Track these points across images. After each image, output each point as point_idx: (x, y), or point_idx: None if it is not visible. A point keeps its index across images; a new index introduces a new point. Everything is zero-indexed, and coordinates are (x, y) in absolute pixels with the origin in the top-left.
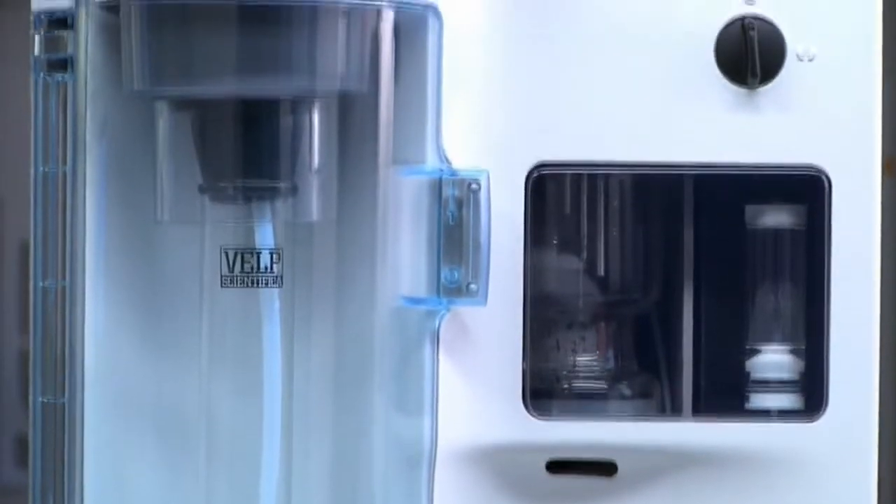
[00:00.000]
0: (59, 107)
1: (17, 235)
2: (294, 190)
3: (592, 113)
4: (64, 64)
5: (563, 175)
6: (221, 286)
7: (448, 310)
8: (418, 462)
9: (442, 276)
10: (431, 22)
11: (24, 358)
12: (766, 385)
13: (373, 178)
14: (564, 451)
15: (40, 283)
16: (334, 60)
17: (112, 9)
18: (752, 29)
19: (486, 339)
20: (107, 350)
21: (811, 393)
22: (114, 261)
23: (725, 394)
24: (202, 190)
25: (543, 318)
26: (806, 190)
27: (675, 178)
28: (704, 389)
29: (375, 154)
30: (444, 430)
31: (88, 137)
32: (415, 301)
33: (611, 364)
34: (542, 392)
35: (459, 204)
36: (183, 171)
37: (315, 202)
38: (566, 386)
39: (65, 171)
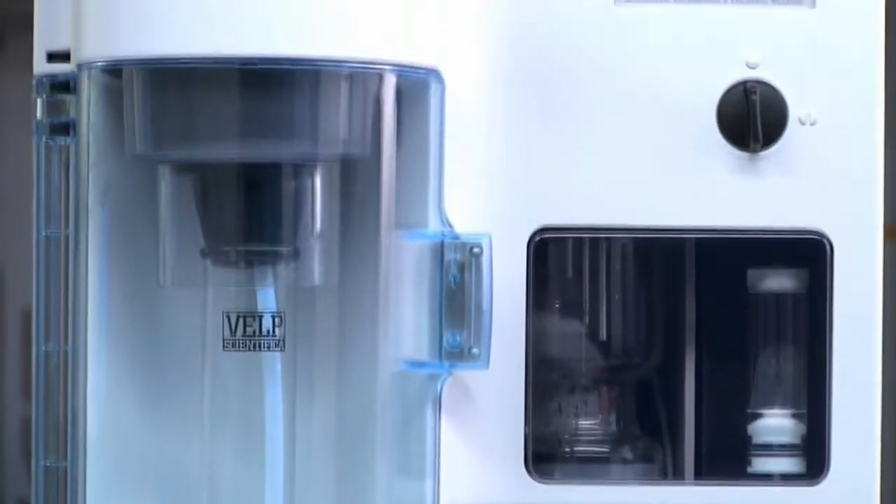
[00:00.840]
0: (61, 170)
1: (19, 303)
2: (296, 254)
3: (594, 177)
4: (66, 128)
5: (565, 239)
6: (223, 349)
7: (450, 373)
8: None
9: (444, 339)
10: (434, 86)
11: (26, 424)
12: (769, 449)
13: (375, 241)
14: None
15: (42, 347)
16: (336, 125)
17: (114, 73)
18: (755, 93)
19: (487, 403)
20: (109, 413)
21: (813, 457)
22: (116, 324)
23: (727, 458)
24: (204, 254)
25: (545, 381)
26: (808, 254)
27: (677, 242)
28: (706, 453)
29: (377, 218)
30: (446, 493)
31: (91, 201)
32: (417, 365)
33: (613, 428)
34: (544, 456)
35: (461, 268)
36: (185, 235)
37: (317, 266)
38: (568, 450)
39: (67, 234)
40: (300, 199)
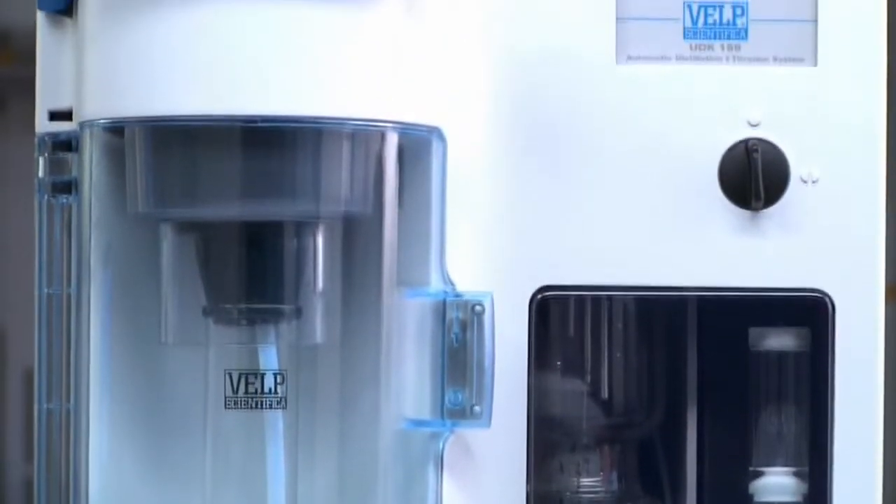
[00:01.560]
0: (63, 229)
1: (20, 364)
2: (298, 312)
3: (596, 236)
4: (68, 186)
5: (567, 298)
6: (225, 408)
7: (452, 432)
8: None
9: (446, 398)
10: (435, 145)
11: (28, 487)
12: None
13: (377, 300)
14: None
15: (44, 405)
16: (339, 183)
17: (116, 131)
18: (756, 151)
19: (489, 461)
20: (110, 472)
21: None
22: (118, 382)
23: None
24: (206, 312)
25: (547, 440)
26: (809, 313)
27: (679, 301)
28: None
29: (379, 276)
30: None
31: (93, 260)
32: (419, 423)
33: (615, 486)
34: None
35: (463, 326)
36: (187, 293)
37: (319, 324)
38: None
39: (69, 292)
40: (302, 258)
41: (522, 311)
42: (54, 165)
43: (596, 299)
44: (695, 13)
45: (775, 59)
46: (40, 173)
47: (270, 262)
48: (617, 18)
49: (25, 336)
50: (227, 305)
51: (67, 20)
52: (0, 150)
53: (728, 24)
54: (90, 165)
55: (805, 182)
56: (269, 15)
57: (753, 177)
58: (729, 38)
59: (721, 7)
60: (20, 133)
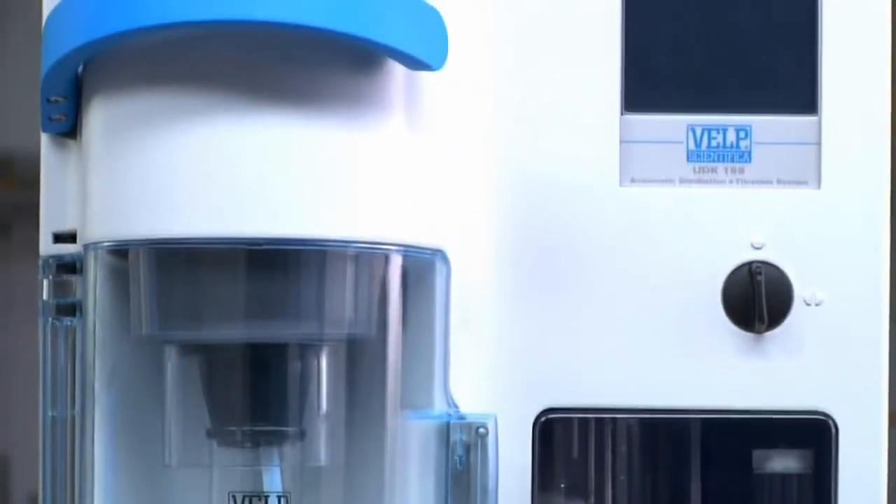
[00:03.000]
0: (67, 351)
1: (24, 489)
2: (302, 435)
3: (600, 358)
4: (72, 308)
5: (571, 420)
6: None
7: None
8: None
9: None
10: (439, 267)
11: None
12: None
13: (381, 422)
14: None
15: None
16: (342, 306)
17: (120, 254)
18: (760, 274)
19: None
20: None
21: None
22: None
23: None
24: (210, 434)
25: None
26: (813, 435)
27: (683, 423)
28: None
29: (383, 398)
30: None
31: (97, 382)
32: None
33: None
34: None
35: (467, 448)
36: (191, 415)
37: (323, 447)
38: None
39: (73, 415)
40: (306, 380)
41: (526, 433)
42: (58, 288)
43: (599, 421)
44: (698, 136)
45: (779, 181)
46: (44, 295)
47: (274, 384)
48: (620, 141)
49: (29, 461)
50: (231, 427)
51: (71, 142)
52: (4, 275)
53: (731, 146)
54: (94, 288)
55: (808, 304)
56: (272, 137)
57: (757, 299)
58: (732, 160)
59: (724, 130)
60: (24, 258)
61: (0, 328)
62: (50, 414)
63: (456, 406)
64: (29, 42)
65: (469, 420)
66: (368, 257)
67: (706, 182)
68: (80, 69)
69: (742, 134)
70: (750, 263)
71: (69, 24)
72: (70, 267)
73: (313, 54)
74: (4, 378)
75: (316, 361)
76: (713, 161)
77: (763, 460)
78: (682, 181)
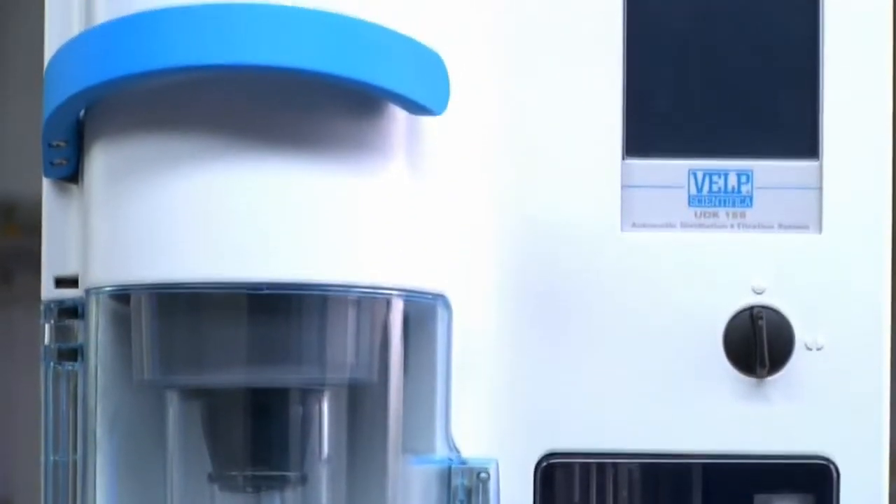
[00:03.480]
0: (69, 396)
1: None
2: (304, 479)
3: (601, 402)
4: (74, 353)
5: (572, 464)
6: None
7: None
8: None
9: None
10: (441, 311)
11: None
12: None
13: (382, 467)
14: None
15: None
16: (344, 350)
17: (122, 298)
18: (761, 318)
19: None
20: None
21: None
22: None
23: None
24: (212, 479)
25: None
26: (814, 479)
27: (684, 467)
28: None
29: (385, 443)
30: None
31: (99, 428)
32: None
33: None
34: None
35: (469, 493)
36: (192, 460)
37: (325, 491)
38: None
39: (75, 460)
40: (307, 424)
41: (528, 477)
42: (60, 332)
43: (601, 465)
44: (700, 180)
45: (780, 226)
46: (46, 340)
47: (276, 429)
48: (622, 186)
49: None
50: (233, 472)
51: (73, 187)
52: (5, 322)
53: (733, 191)
54: (96, 332)
55: (810, 349)
56: (273, 182)
57: (758, 344)
58: (734, 205)
59: (726, 175)
60: (25, 305)
61: (2, 374)
62: (52, 458)
63: (457, 450)
64: (30, 87)
65: (470, 464)
66: (370, 302)
67: (707, 226)
68: (81, 114)
69: (743, 178)
70: (751, 308)
71: (71, 69)
72: (72, 311)
73: (314, 98)
74: (7, 422)
75: (317, 406)
76: (714, 205)
77: None
78: (683, 225)
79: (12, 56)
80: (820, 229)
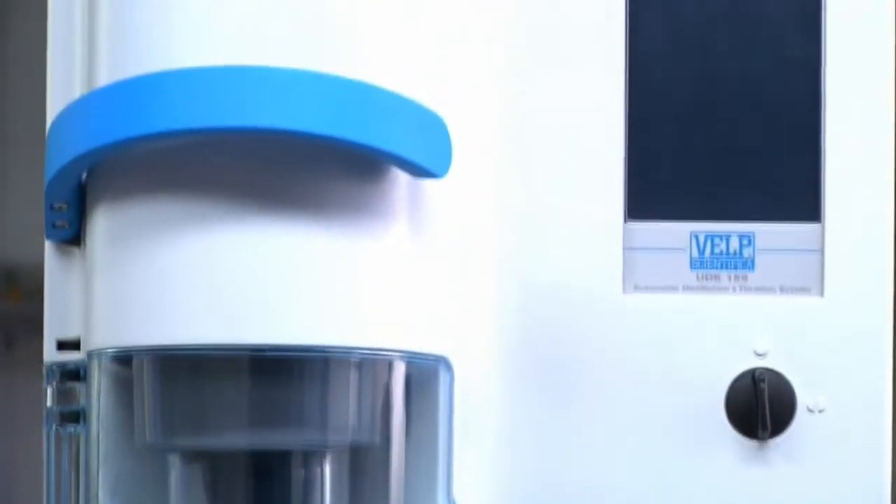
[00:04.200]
0: (71, 459)
1: None
2: None
3: (602, 464)
4: (76, 416)
5: None
6: None
7: None
8: None
9: None
10: (443, 373)
11: None
12: None
13: None
14: None
15: None
16: (346, 413)
17: (124, 361)
18: (763, 381)
19: None
20: None
21: None
22: None
23: None
24: None
25: None
26: None
27: None
28: None
29: None
30: None
31: (101, 491)
32: None
33: None
34: None
35: None
36: None
37: None
38: None
39: None
40: (310, 487)
41: None
42: (62, 395)
43: None
44: (701, 243)
45: (782, 289)
46: (48, 403)
47: (278, 492)
48: (624, 248)
49: None
50: None
51: (75, 250)
52: (7, 388)
53: (735, 254)
54: (98, 395)
55: (812, 412)
56: (275, 245)
57: (760, 407)
58: (736, 268)
59: (728, 238)
60: (27, 371)
61: (3, 439)
62: None
63: None
64: (31, 153)
65: None
66: (371, 364)
67: (709, 289)
68: (83, 176)
69: (745, 241)
70: (753, 370)
71: (73, 131)
72: (74, 374)
73: (316, 162)
74: (8, 489)
75: (319, 468)
76: (716, 268)
77: None
78: (685, 288)
79: (13, 121)
80: (822, 292)
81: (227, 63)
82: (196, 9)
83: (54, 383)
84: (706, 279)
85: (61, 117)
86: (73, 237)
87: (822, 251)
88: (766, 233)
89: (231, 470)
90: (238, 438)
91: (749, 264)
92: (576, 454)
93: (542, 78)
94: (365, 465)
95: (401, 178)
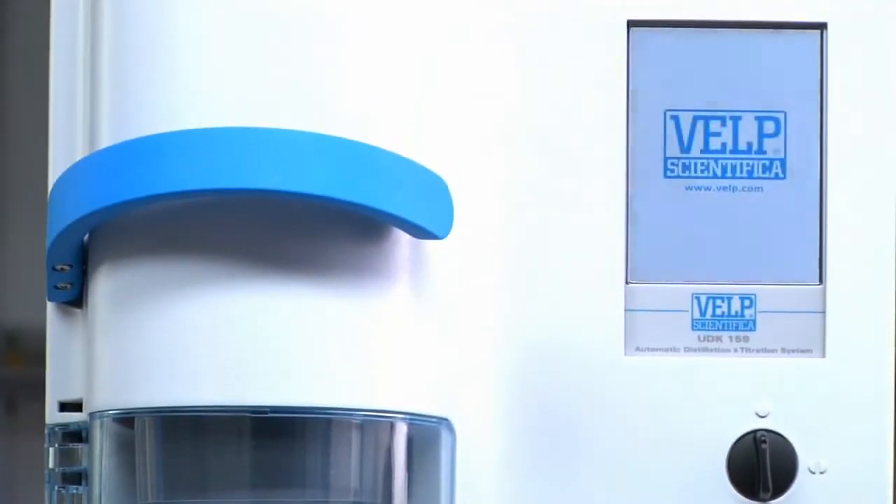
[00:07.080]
0: None
1: None
2: None
3: None
4: (78, 477)
5: None
6: None
7: None
8: None
9: None
10: (445, 435)
11: None
12: None
13: None
14: None
15: None
16: (348, 474)
17: (126, 422)
18: (764, 443)
19: None
20: None
21: None
22: None
23: None
24: None
25: None
26: None
27: None
28: None
29: None
30: None
31: None
32: None
33: None
34: None
35: None
36: None
37: None
38: None
39: None
40: None
41: None
42: (64, 456)
43: None
44: (703, 305)
45: (783, 350)
46: (50, 464)
47: None
48: (625, 310)
49: None
50: None
51: (77, 311)
52: (9, 453)
53: (736, 315)
54: (100, 456)
55: (813, 473)
56: (277, 306)
57: (762, 468)
58: (737, 329)
59: (729, 299)
60: (29, 435)
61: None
62: None
63: None
64: (32, 216)
65: None
66: (374, 425)
67: (711, 350)
68: (85, 237)
69: (747, 302)
70: (755, 432)
71: (75, 193)
72: (76, 435)
73: (319, 223)
74: None
75: None
76: (718, 329)
77: None
78: (686, 350)
79: (13, 183)
80: (823, 353)
81: (230, 125)
82: (200, 70)
83: (56, 444)
84: (708, 340)
85: (63, 178)
86: (75, 298)
87: (823, 312)
88: (768, 294)
89: None
90: (240, 499)
91: (751, 325)
92: None
93: (545, 140)
94: None
95: (402, 239)
